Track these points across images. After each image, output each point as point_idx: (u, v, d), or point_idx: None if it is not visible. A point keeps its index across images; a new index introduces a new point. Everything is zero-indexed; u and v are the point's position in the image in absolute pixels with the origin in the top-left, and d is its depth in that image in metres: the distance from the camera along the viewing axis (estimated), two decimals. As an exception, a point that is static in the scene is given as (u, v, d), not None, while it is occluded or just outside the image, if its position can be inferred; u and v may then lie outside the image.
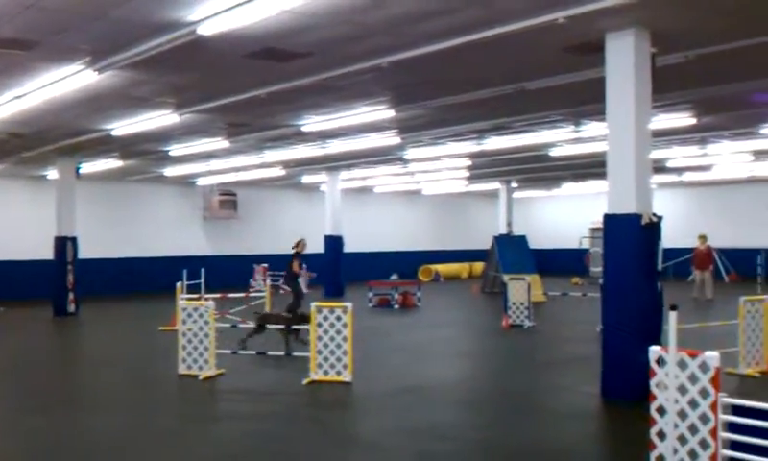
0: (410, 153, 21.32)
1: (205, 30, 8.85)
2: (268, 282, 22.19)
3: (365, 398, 10.03)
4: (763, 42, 9.84)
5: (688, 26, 9.43)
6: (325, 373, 10.69)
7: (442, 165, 25.01)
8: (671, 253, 30.88)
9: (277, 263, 29.12)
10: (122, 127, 15.97)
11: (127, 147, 19.41)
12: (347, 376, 10.59)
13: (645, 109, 9.54)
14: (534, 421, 8.85)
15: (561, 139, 18.89)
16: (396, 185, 33.49)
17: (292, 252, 17.57)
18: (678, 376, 5.97)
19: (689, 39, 9.94)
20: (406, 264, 34.57)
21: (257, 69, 11.34)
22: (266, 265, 28.28)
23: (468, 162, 23.96)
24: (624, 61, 9.37)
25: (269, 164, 23.86)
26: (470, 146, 19.96)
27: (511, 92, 12.62)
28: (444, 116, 15.56)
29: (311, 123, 15.99)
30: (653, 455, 6.09)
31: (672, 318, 5.96)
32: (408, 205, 38.13)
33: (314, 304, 10.89)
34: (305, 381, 10.61)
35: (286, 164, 24.15)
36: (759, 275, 26.83)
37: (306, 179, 29.54)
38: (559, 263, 36.35)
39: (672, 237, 30.84)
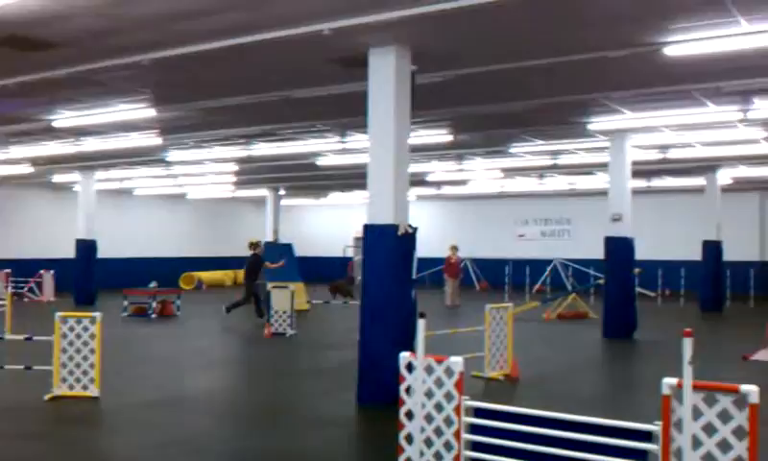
0: (173, 155, 20.62)
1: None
2: (9, 290, 20.36)
3: (114, 413, 9.46)
4: (514, 67, 10.63)
5: (447, 47, 9.95)
6: (70, 387, 9.96)
7: (207, 169, 24.45)
8: (430, 262, 32.59)
9: (23, 269, 26.87)
10: None
11: None
12: (94, 391, 9.93)
13: (405, 124, 9.90)
14: (290, 429, 8.83)
15: (327, 149, 19.20)
16: (158, 188, 32.20)
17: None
18: (425, 380, 6.20)
19: (447, 60, 10.50)
20: (167, 271, 33.32)
21: (3, 57, 10.39)
22: (8, 271, 25.99)
23: (234, 167, 23.64)
24: (385, 77, 9.67)
25: (15, 161, 21.98)
26: (237, 151, 19.70)
27: (277, 99, 12.61)
28: (209, 119, 15.21)
29: (64, 118, 14.93)
30: (401, 458, 6.26)
31: (420, 325, 6.19)
32: (171, 209, 36.74)
33: (58, 315, 10.11)
34: (47, 397, 9.82)
35: (35, 161, 22.36)
36: (507, 284, 28.97)
37: (58, 178, 27.51)
38: (325, 271, 36.94)
39: (431, 247, 32.75)
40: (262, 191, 31.47)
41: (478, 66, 10.65)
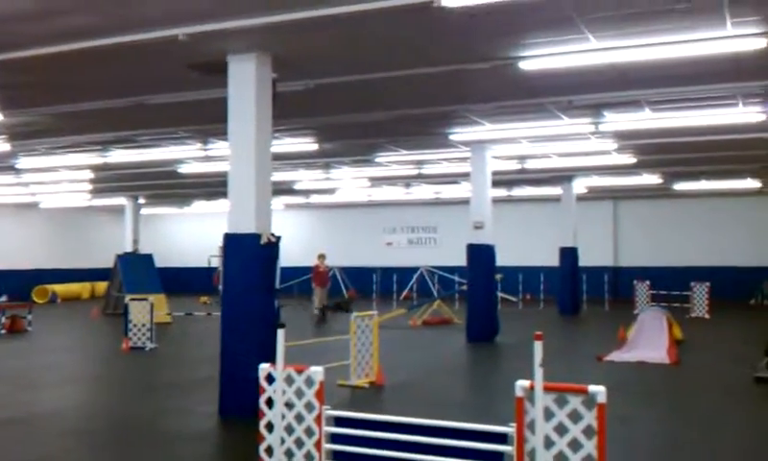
0: (24, 162, 19.51)
1: None
2: None
3: (-47, 436, 8.81)
4: (375, 77, 10.70)
5: (308, 56, 9.90)
6: None
7: (61, 177, 23.28)
8: (298, 271, 32.43)
9: None
10: None
11: None
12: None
13: (266, 132, 9.78)
14: (148, 445, 8.48)
15: (190, 156, 18.71)
16: (8, 197, 30.36)
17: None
18: (285, 391, 6.11)
19: (309, 69, 10.45)
20: (19, 284, 31.51)
21: None
22: None
23: (90, 175, 22.60)
24: (245, 84, 9.54)
25: None
26: (93, 158, 18.87)
27: (133, 105, 12.16)
28: (62, 124, 14.48)
29: None
30: (262, 471, 6.15)
31: (280, 335, 6.09)
32: (21, 218, 34.69)
33: None
34: None
35: None
36: (375, 291, 29.21)
37: None
38: (189, 282, 36.04)
39: (300, 256, 32.58)
40: (120, 200, 30.23)
41: (339, 76, 10.67)
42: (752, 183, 25.50)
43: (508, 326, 19.13)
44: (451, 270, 31.53)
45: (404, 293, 30.96)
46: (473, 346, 17.22)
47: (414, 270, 32.84)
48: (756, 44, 9.17)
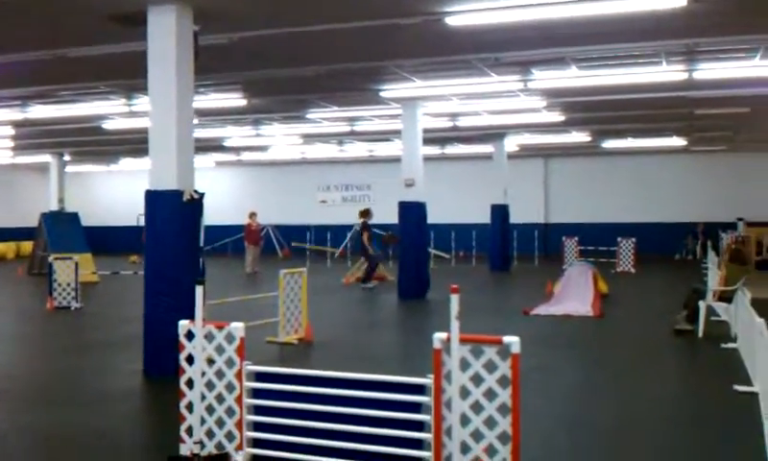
0: (-61, 118, 18.76)
1: None
2: None
3: None
4: (302, 31, 10.54)
5: (230, 8, 9.67)
6: None
7: (-20, 133, 22.46)
8: (231, 229, 32.14)
9: None
10: None
11: None
12: None
13: (188, 87, 9.56)
14: (71, 405, 8.35)
15: (114, 112, 18.21)
16: (-74, 155, 29.24)
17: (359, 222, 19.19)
18: (205, 347, 6.07)
19: (233, 21, 10.22)
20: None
21: None
22: None
23: (11, 131, 21.83)
24: (165, 37, 9.28)
25: None
26: (13, 113, 18.20)
27: (52, 58, 11.74)
28: (-23, 78, 13.94)
29: None
30: (182, 428, 6.12)
31: (198, 292, 6.04)
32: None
33: None
34: None
35: None
36: (308, 250, 29.17)
37: None
38: (118, 241, 35.34)
39: (232, 214, 32.23)
40: (45, 157, 29.33)
41: (264, 29, 10.47)
42: (677, 141, 26.18)
43: (439, 282, 19.31)
44: (386, 228, 31.63)
45: (339, 250, 30.97)
46: (404, 302, 17.39)
47: (348, 228, 32.84)
48: (676, 2, 9.33)
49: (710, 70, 13.77)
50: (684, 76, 14.14)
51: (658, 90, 15.64)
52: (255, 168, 36.61)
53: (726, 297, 12.29)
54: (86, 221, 26.16)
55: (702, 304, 12.15)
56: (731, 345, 11.06)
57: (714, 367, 10.11)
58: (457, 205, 32.10)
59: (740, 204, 29.67)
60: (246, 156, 31.69)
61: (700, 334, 11.95)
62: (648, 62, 13.46)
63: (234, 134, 23.71)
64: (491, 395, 5.22)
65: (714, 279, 14.30)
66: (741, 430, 7.00)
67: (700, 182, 30.91)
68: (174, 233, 9.31)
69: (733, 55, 12.83)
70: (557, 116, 19.85)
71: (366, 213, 21.39)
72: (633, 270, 24.21)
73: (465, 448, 5.23)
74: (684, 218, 30.60)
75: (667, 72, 14.01)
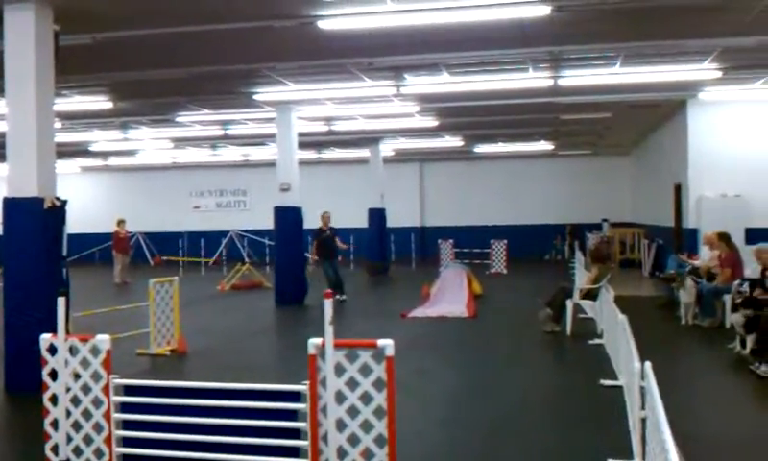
0: None
1: None
2: None
3: None
4: (168, 32, 10.27)
5: (92, 7, 9.30)
6: None
7: None
8: (99, 237, 30.88)
9: None
10: None
11: None
12: None
13: (48, 89, 9.13)
14: None
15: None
16: None
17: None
18: (68, 361, 5.78)
19: (96, 21, 9.83)
20: None
21: None
22: None
23: None
24: (23, 36, 8.86)
25: None
26: None
27: None
28: None
29: None
30: (47, 446, 5.83)
31: (60, 304, 5.76)
32: None
33: None
34: None
35: None
36: (182, 257, 28.44)
37: None
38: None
39: (100, 222, 30.98)
40: None
41: (129, 29, 10.13)
42: (545, 146, 27.22)
43: (318, 287, 19.23)
44: (262, 233, 31.27)
45: (213, 258, 30.37)
46: (281, 309, 17.22)
47: (223, 234, 32.27)
48: (540, 11, 9.66)
49: (574, 77, 14.38)
50: (550, 82, 14.71)
51: (525, 96, 16.20)
52: (124, 173, 35.36)
53: (591, 295, 12.84)
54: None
55: (569, 303, 12.63)
56: (597, 341, 11.55)
57: (582, 363, 10.52)
58: (334, 209, 31.84)
59: (605, 205, 31.16)
60: (113, 160, 30.55)
61: (568, 332, 12.42)
62: (516, 69, 13.91)
63: (100, 139, 22.81)
64: (366, 398, 5.22)
65: (582, 278, 14.91)
66: (607, 423, 7.31)
67: (567, 185, 32.23)
68: (35, 243, 8.86)
69: (595, 62, 13.44)
70: (430, 121, 20.21)
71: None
72: (505, 271, 24.94)
73: (342, 454, 5.20)
74: (552, 220, 31.83)
75: (534, 78, 14.53)
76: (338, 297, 16.08)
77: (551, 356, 11.57)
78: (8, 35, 8.92)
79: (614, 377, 8.85)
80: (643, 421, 5.14)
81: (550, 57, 12.92)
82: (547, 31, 10.93)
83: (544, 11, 9.61)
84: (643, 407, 5.09)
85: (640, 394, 5.43)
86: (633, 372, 5.76)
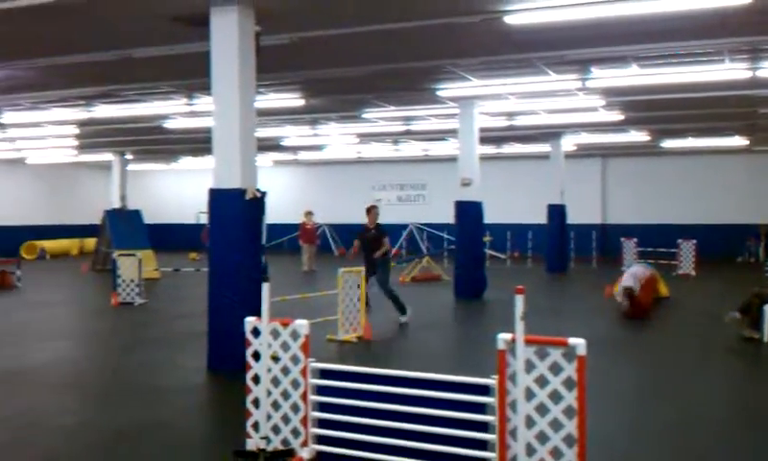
0: (7, 117, 19.31)
1: None
2: None
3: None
4: (361, 31, 10.60)
5: (292, 9, 9.78)
6: None
7: (47, 132, 23.07)
8: (288, 228, 32.42)
9: None
10: None
11: None
12: None
13: (250, 87, 9.67)
14: (138, 399, 8.55)
15: (175, 112, 18.56)
16: (-7, 152, 30.16)
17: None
18: (271, 344, 6.15)
19: (293, 22, 10.33)
20: (7, 240, 31.39)
21: None
22: None
23: (76, 130, 22.41)
24: (228, 37, 9.38)
25: None
26: (78, 113, 18.68)
27: (117, 59, 12.01)
28: (45, 79, 14.31)
29: None
30: (249, 423, 6.21)
31: (265, 290, 6.12)
32: (8, 174, 34.49)
33: None
34: None
35: None
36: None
37: None
38: (177, 238, 35.97)
39: (289, 213, 32.52)
40: (107, 156, 30.04)
41: (324, 29, 10.55)
42: (739, 141, 25.56)
43: (495, 282, 19.22)
44: (440, 227, 31.60)
45: (394, 250, 31.02)
46: (461, 302, 17.33)
47: (403, 227, 32.89)
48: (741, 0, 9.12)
49: (776, 68, 13.44)
50: (748, 74, 13.82)
51: (720, 89, 15.31)
52: (312, 167, 36.90)
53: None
54: (147, 219, 26.68)
55: (767, 309, 11.85)
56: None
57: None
58: (513, 204, 31.84)
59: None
60: (302, 155, 31.96)
61: (765, 339, 11.67)
62: (710, 60, 13.19)
63: (292, 134, 23.95)
64: (556, 397, 5.18)
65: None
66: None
67: (762, 183, 30.13)
68: (237, 231, 9.46)
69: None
70: (616, 115, 19.57)
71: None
72: (694, 272, 23.69)
73: (530, 451, 5.20)
74: (745, 220, 29.85)
75: (730, 70, 13.71)
76: (400, 318, 13.86)
77: (750, 363, 10.90)
78: (214, 35, 9.49)
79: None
80: None
81: (749, 47, 12.14)
82: (748, 19, 10.28)
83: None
84: None
85: None
86: None
